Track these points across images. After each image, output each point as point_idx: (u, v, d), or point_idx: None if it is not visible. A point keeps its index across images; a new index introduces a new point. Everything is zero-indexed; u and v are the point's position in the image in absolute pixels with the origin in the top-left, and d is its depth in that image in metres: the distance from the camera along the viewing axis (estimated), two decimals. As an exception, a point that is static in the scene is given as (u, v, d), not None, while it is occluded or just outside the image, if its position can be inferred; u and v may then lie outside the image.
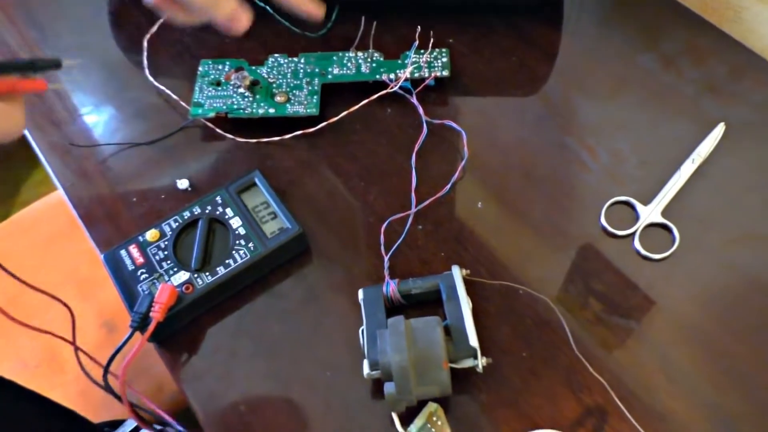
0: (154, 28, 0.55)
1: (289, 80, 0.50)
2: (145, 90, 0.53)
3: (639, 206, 0.44)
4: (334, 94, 0.50)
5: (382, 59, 0.51)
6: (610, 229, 0.43)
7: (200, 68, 0.52)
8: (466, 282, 0.40)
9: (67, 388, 0.98)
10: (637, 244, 0.43)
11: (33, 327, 0.41)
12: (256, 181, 0.45)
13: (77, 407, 0.89)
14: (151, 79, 0.53)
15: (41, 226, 0.96)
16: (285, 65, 0.51)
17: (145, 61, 0.54)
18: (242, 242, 0.42)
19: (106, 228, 0.46)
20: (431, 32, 0.52)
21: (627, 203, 0.45)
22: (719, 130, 0.47)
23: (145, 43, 0.54)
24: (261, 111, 0.48)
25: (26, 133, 0.51)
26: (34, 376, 0.89)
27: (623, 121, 0.49)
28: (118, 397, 0.39)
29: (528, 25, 0.55)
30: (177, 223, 0.43)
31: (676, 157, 0.47)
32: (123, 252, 0.42)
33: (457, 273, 0.40)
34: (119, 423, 0.78)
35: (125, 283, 0.41)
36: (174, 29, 0.56)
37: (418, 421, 0.36)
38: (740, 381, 0.38)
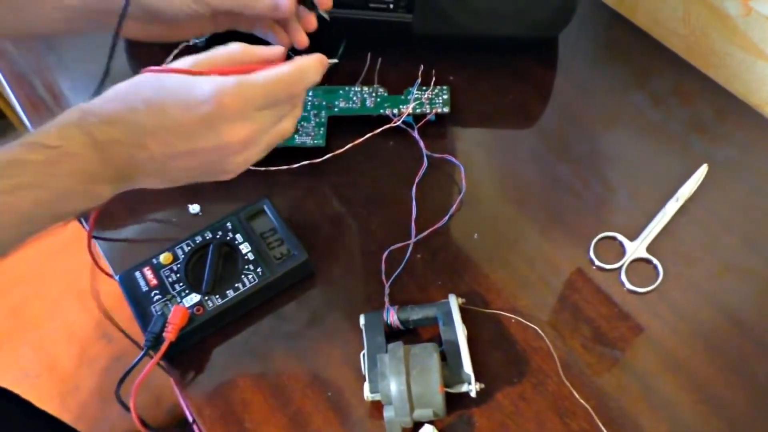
0: (170, 58, 0.57)
1: (297, 112, 0.53)
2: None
3: (626, 242, 0.47)
4: (339, 127, 0.52)
5: (386, 94, 0.54)
6: (597, 262, 0.46)
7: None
8: (462, 310, 0.42)
9: (65, 398, 0.99)
10: (623, 277, 0.45)
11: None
12: (265, 208, 0.47)
13: (75, 418, 0.90)
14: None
15: (45, 239, 0.98)
16: (294, 97, 0.54)
17: None
18: (251, 267, 0.44)
19: (121, 249, 0.48)
20: (433, 70, 0.54)
21: (614, 238, 0.47)
22: (702, 171, 0.49)
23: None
24: (270, 141, 0.51)
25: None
26: (34, 387, 0.90)
27: (614, 156, 0.52)
28: (127, 408, 0.40)
29: (524, 64, 0.58)
30: (189, 247, 0.45)
31: (663, 192, 0.49)
32: (137, 273, 0.44)
33: (453, 301, 0.42)
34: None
35: (139, 303, 0.43)
36: (191, 54, 0.58)
37: (414, 442, 0.39)
38: (721, 410, 0.40)
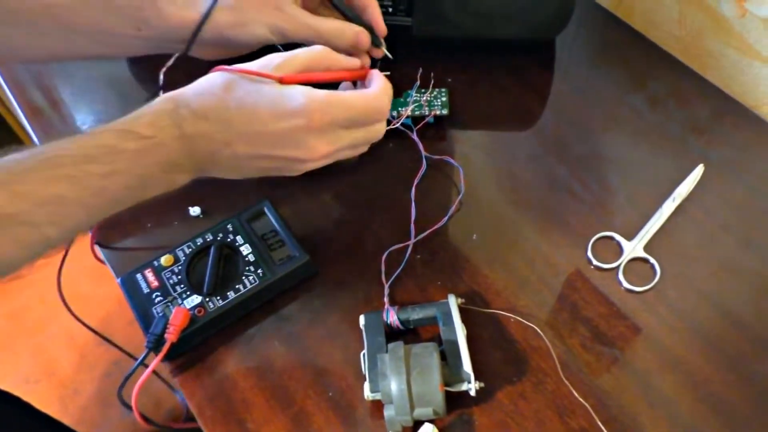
0: (171, 61, 0.58)
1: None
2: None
3: (623, 241, 0.47)
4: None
5: (385, 97, 0.54)
6: (595, 262, 0.46)
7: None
8: (461, 310, 0.43)
9: (65, 403, 0.99)
10: (621, 276, 0.45)
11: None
12: (266, 210, 0.47)
13: (74, 422, 0.91)
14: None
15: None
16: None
17: (161, 93, 0.56)
18: (252, 268, 0.44)
19: (122, 252, 0.48)
20: (432, 73, 0.55)
21: (612, 238, 0.47)
22: (698, 171, 0.50)
23: (162, 76, 0.57)
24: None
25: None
26: (34, 391, 0.91)
27: (612, 156, 0.53)
28: (130, 408, 0.41)
29: (522, 66, 0.59)
30: (190, 249, 0.45)
31: (660, 192, 0.50)
32: (139, 276, 0.44)
33: (453, 301, 0.42)
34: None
35: (141, 305, 0.43)
36: (190, 63, 0.59)
37: (415, 441, 0.39)
38: (719, 408, 0.41)
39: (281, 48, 0.45)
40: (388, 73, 0.50)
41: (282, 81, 0.40)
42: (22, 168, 0.33)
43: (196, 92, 0.40)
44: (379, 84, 0.43)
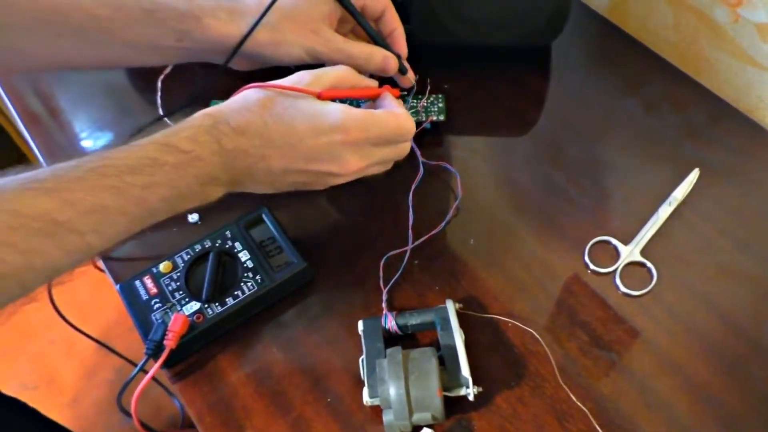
0: (168, 69, 0.58)
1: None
2: (158, 129, 0.56)
3: (620, 246, 0.47)
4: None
5: (382, 103, 0.55)
6: (592, 267, 0.46)
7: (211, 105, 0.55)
8: (459, 315, 0.43)
9: (64, 410, 0.99)
10: (618, 281, 0.46)
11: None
12: (264, 216, 0.48)
13: (73, 430, 0.90)
14: (165, 118, 0.56)
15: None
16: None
17: (159, 101, 0.57)
18: (250, 275, 0.44)
19: (120, 258, 0.48)
20: (428, 79, 0.55)
21: (608, 242, 0.48)
22: (694, 175, 0.50)
23: (159, 84, 0.58)
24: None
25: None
26: (33, 398, 0.90)
27: (608, 161, 0.53)
28: (129, 415, 0.41)
29: (518, 72, 0.59)
30: (189, 256, 0.45)
31: (656, 196, 0.50)
32: (138, 282, 0.45)
33: (451, 306, 0.43)
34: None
35: (140, 311, 0.43)
36: (187, 71, 0.59)
37: (414, 446, 0.39)
38: (717, 410, 0.41)
39: (293, 67, 0.47)
40: (404, 93, 0.54)
41: (320, 97, 0.43)
42: (72, 177, 0.35)
43: (233, 109, 0.41)
44: (398, 104, 0.46)
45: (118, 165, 0.36)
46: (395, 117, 0.44)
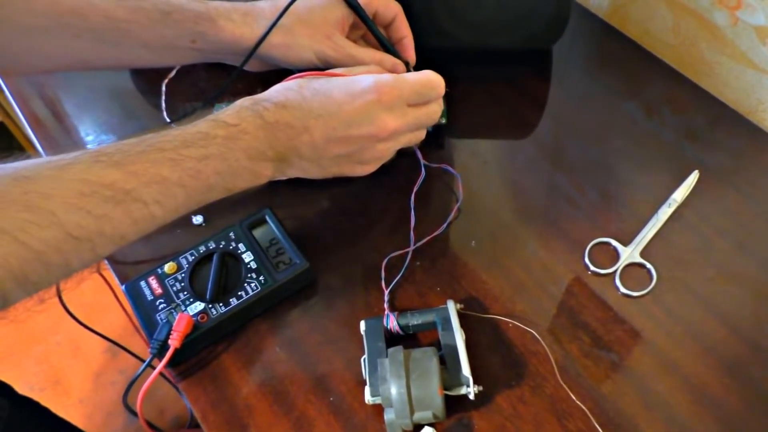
0: (173, 73, 0.59)
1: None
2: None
3: (619, 247, 0.48)
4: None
5: (384, 106, 0.55)
6: (593, 268, 0.47)
7: (214, 111, 0.55)
8: (460, 315, 0.43)
9: (70, 411, 1.00)
10: (618, 281, 0.46)
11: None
12: (267, 218, 0.48)
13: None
14: (168, 121, 0.57)
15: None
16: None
17: (164, 104, 0.58)
18: (253, 275, 0.45)
19: (126, 259, 0.49)
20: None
21: (608, 244, 0.48)
22: (693, 177, 0.51)
23: (164, 87, 0.59)
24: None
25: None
26: (40, 400, 0.91)
27: (609, 163, 0.53)
28: (135, 414, 0.41)
29: (520, 75, 0.59)
30: (193, 257, 0.46)
31: (656, 198, 0.50)
32: (143, 283, 0.45)
33: (452, 307, 0.43)
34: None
35: (145, 312, 0.44)
36: (191, 74, 0.60)
37: (415, 445, 0.39)
38: (716, 411, 0.41)
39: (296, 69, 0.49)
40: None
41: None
42: (134, 151, 0.38)
43: (272, 91, 0.45)
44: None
45: (174, 140, 0.39)
46: (424, 74, 0.46)
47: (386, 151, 0.47)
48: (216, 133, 0.41)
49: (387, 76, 0.44)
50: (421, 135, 0.49)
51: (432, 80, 0.46)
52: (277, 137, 0.42)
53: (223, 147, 0.40)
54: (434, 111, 0.48)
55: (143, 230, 0.39)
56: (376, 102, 0.43)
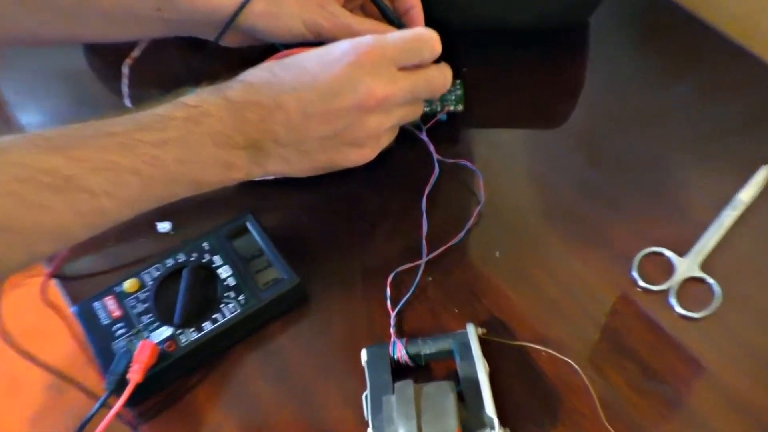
0: (137, 51, 0.59)
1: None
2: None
3: (675, 258, 0.47)
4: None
5: (389, 90, 0.55)
6: (642, 283, 0.46)
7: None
8: (482, 342, 0.43)
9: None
10: (673, 300, 0.45)
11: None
12: (249, 225, 0.48)
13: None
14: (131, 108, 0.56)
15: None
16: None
17: (126, 89, 0.57)
18: (232, 294, 0.45)
19: (78, 276, 0.49)
20: (442, 62, 0.55)
21: (661, 254, 0.47)
22: (763, 174, 0.50)
23: (126, 69, 0.58)
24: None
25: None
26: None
27: (657, 157, 0.53)
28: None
29: (550, 54, 0.59)
30: (159, 272, 0.46)
31: (718, 199, 0.50)
32: (97, 304, 0.45)
33: (472, 332, 0.43)
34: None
35: (100, 339, 0.44)
36: (159, 53, 0.60)
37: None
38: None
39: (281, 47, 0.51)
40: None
41: None
42: (79, 135, 0.39)
43: (241, 74, 0.45)
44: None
45: (125, 123, 0.40)
46: (409, 32, 0.46)
47: (379, 126, 0.46)
48: (174, 114, 0.41)
49: (366, 37, 0.44)
50: (419, 109, 0.49)
51: (421, 35, 0.46)
52: (245, 119, 0.42)
53: (183, 130, 0.41)
54: (434, 77, 0.47)
55: (91, 225, 0.39)
56: (356, 65, 0.43)
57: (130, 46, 0.58)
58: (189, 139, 0.41)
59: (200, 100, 0.42)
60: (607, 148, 0.54)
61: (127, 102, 0.57)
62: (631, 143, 0.54)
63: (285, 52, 0.47)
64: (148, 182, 0.40)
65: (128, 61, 0.58)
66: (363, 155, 0.47)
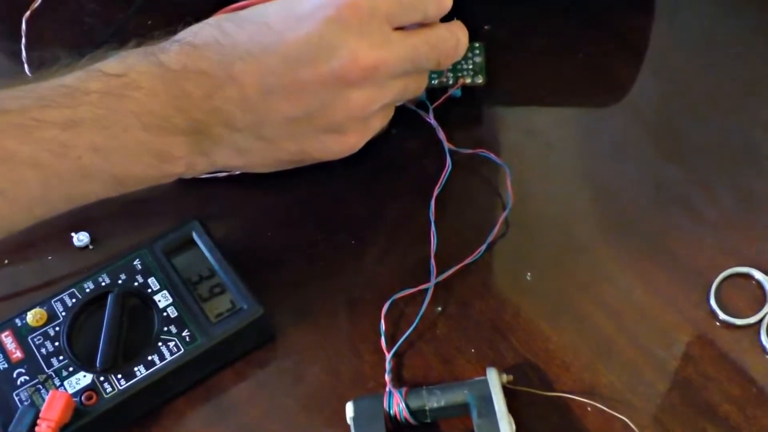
0: (37, 2, 0.61)
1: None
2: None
3: (767, 282, 0.49)
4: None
5: (385, 55, 0.57)
6: (723, 315, 0.48)
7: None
8: (508, 392, 0.44)
9: None
10: (765, 338, 0.47)
11: None
12: (195, 236, 0.50)
13: None
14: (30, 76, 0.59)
15: None
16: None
17: (24, 52, 0.60)
18: (173, 329, 0.47)
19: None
20: (455, 18, 0.57)
21: (749, 277, 0.50)
22: None
23: (24, 24, 0.61)
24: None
25: None
26: None
27: (753, 150, 0.55)
28: None
29: (601, 4, 0.61)
30: (74, 300, 0.48)
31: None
32: (-9, 341, 0.46)
33: (495, 379, 0.44)
34: None
35: (-6, 387, 0.45)
36: (68, 3, 0.62)
37: None
38: None
39: None
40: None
41: None
42: None
43: (182, 33, 0.46)
44: None
45: (24, 97, 0.40)
46: None
47: (368, 105, 0.47)
48: (88, 87, 0.41)
49: None
50: (423, 82, 0.51)
51: None
52: (186, 93, 0.43)
53: (101, 107, 0.41)
54: (442, 39, 0.48)
55: None
56: (336, 21, 0.44)
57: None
58: (109, 120, 0.41)
59: (125, 67, 0.43)
60: (683, 134, 0.56)
61: (26, 68, 0.59)
62: (716, 128, 0.57)
63: (241, 3, 0.48)
64: (52, 178, 0.41)
65: (28, 13, 0.60)
66: (345, 144, 0.49)
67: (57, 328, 0.47)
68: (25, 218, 0.42)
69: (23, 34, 0.61)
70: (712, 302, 0.49)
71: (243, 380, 0.48)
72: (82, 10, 0.63)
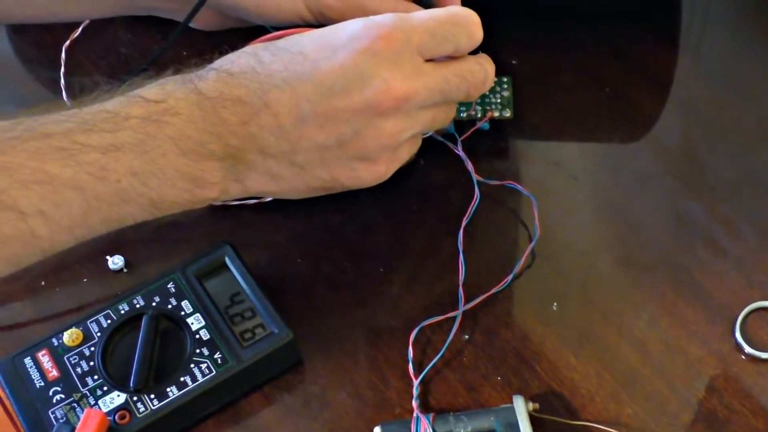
0: (78, 32, 0.63)
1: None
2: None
3: (793, 316, 0.49)
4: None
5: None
6: (749, 349, 0.49)
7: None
8: (534, 421, 0.45)
9: None
10: (792, 372, 0.48)
11: None
12: (228, 261, 0.51)
13: None
14: (69, 105, 0.60)
15: None
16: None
17: (63, 79, 0.61)
18: (205, 351, 0.48)
19: (3, 324, 0.52)
20: (480, 51, 0.56)
21: (775, 310, 0.50)
22: None
23: (63, 54, 0.62)
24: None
25: None
26: None
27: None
28: None
29: (627, 40, 0.63)
30: (109, 321, 0.49)
31: None
32: (28, 360, 0.48)
33: (521, 407, 0.45)
34: None
35: (30, 406, 0.46)
36: (105, 34, 0.64)
37: None
38: None
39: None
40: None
41: None
42: (5, 137, 0.39)
43: (218, 61, 0.47)
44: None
45: (66, 121, 0.41)
46: (442, 10, 0.48)
47: (398, 134, 0.48)
48: (129, 112, 0.42)
49: (384, 16, 0.46)
50: (452, 113, 0.52)
51: (457, 16, 0.48)
52: (223, 120, 0.44)
53: (140, 133, 0.42)
54: (472, 71, 0.49)
55: (18, 257, 0.41)
56: (369, 52, 0.45)
57: (66, 27, 0.62)
58: (148, 146, 0.42)
59: (164, 93, 0.44)
60: (708, 168, 0.57)
61: (64, 95, 0.61)
62: (741, 162, 0.57)
63: (276, 33, 0.49)
64: (93, 201, 0.41)
65: (67, 43, 0.62)
66: (375, 173, 0.50)
67: (92, 348, 0.48)
68: (66, 240, 0.42)
69: (62, 62, 0.62)
70: (738, 335, 0.50)
71: (271, 404, 0.49)
72: (119, 40, 0.65)
